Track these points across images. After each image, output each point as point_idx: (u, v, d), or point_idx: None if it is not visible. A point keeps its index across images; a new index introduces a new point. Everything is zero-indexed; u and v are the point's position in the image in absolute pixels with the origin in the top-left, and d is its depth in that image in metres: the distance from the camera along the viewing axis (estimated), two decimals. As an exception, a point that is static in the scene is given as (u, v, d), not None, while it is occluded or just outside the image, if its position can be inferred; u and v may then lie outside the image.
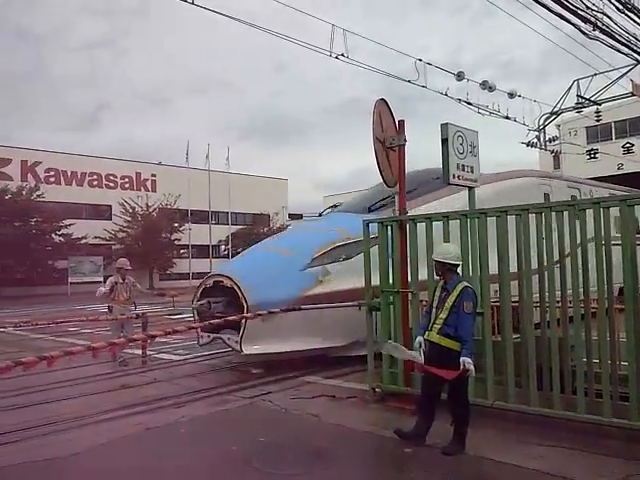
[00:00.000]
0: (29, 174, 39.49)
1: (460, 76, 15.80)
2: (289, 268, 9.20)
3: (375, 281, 7.30)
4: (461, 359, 5.12)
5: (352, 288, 8.44)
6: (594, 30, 13.08)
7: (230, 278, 8.98)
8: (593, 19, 12.74)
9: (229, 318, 7.63)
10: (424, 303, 6.98)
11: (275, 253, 9.97)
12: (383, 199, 10.45)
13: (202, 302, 9.08)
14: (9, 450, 5.56)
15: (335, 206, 13.08)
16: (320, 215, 12.96)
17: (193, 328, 7.76)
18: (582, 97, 21.41)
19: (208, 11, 9.34)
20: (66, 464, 5.25)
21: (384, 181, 7.73)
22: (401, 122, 7.67)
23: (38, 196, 35.55)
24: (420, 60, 13.99)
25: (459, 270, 5.74)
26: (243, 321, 8.15)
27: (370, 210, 10.48)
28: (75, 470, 5.23)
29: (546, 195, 12.67)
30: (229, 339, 8.75)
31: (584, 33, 13.06)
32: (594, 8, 12.60)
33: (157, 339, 7.93)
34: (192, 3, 9.15)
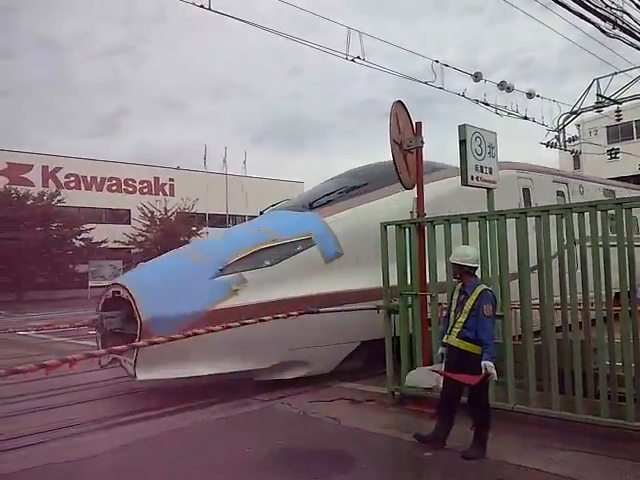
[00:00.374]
0: (50, 180, 40.13)
1: (477, 77, 15.69)
2: (197, 276, 7.77)
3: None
4: (482, 363, 5.08)
5: (280, 299, 7.52)
6: (614, 28, 12.91)
7: (125, 288, 7.63)
8: (613, 17, 12.57)
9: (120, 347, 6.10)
10: (443, 306, 6.96)
11: (185, 259, 8.58)
12: (327, 195, 9.66)
13: (96, 317, 7.92)
14: (33, 452, 5.65)
15: (278, 203, 11.12)
16: (261, 213, 11.05)
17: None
18: (602, 96, 21.13)
19: (224, 16, 9.42)
20: (88, 465, 5.32)
21: (402, 184, 7.69)
22: (418, 124, 7.63)
23: (59, 201, 36.09)
24: (437, 61, 13.94)
25: (477, 273, 5.69)
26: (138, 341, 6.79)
27: (312, 207, 9.41)
28: (105, 470, 5.29)
29: (525, 190, 11.37)
30: (125, 361, 7.31)
31: (604, 32, 12.89)
32: (614, 6, 12.43)
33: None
34: (209, 8, 9.23)
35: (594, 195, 12.82)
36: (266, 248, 8.11)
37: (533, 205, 10.72)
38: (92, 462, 5.38)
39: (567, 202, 11.44)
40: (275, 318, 6.68)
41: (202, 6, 9.00)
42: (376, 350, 7.80)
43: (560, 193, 12.23)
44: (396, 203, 8.72)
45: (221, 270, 7.74)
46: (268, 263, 7.99)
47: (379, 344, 7.49)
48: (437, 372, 5.55)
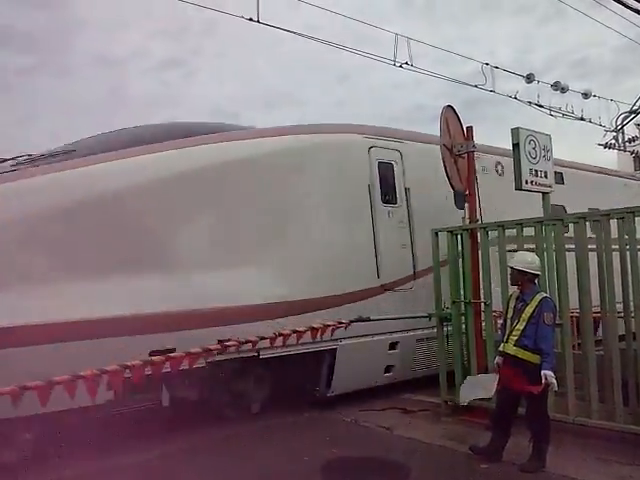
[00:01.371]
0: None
1: (530, 78, 15.27)
2: None
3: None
4: (542, 372, 4.91)
5: None
6: (674, 23, 12.33)
7: None
8: (673, 12, 12.00)
9: None
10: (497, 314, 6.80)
11: None
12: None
13: None
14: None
15: None
16: None
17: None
18: (664, 94, 20.18)
19: (273, 28, 9.54)
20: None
21: (452, 188, 7.58)
22: (469, 128, 7.51)
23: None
24: (487, 64, 13.66)
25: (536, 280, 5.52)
26: None
27: None
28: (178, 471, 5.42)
29: (387, 165, 7.99)
30: None
31: (664, 27, 12.33)
32: (674, 1, 11.87)
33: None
34: (257, 21, 9.38)
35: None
36: None
37: (399, 191, 8.06)
38: (157, 463, 5.50)
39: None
40: (326, 326, 6.62)
41: (251, 19, 9.14)
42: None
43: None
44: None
45: None
46: None
47: None
48: (493, 383, 5.39)
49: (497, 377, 5.34)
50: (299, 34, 10.18)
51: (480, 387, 5.72)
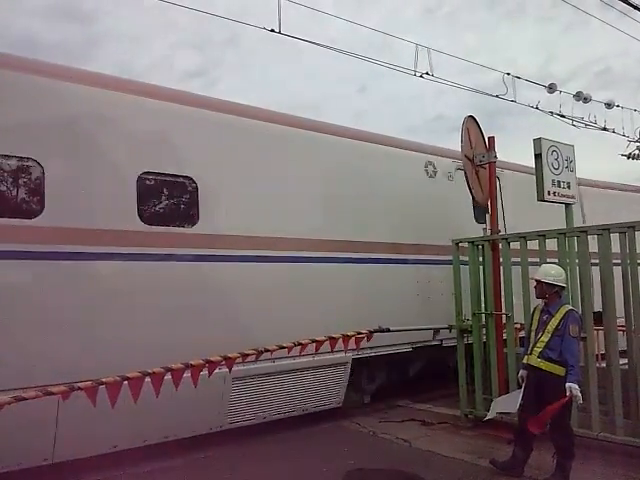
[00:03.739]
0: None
1: (552, 88, 15.13)
2: None
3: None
4: (567, 385, 4.83)
5: None
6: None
7: None
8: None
9: None
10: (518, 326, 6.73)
11: None
12: None
13: None
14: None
15: None
16: None
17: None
18: (689, 104, 19.86)
19: (294, 39, 9.60)
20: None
21: (473, 199, 7.52)
22: (491, 138, 7.47)
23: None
24: (508, 74, 13.58)
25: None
26: None
27: None
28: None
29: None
30: None
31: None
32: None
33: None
34: (279, 32, 9.46)
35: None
36: None
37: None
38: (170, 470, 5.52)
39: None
40: (344, 336, 6.60)
41: (272, 30, 9.22)
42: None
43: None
44: None
45: None
46: None
47: None
48: (518, 398, 5.30)
49: (522, 392, 5.26)
50: (318, 44, 10.23)
51: (505, 403, 5.65)
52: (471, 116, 7.56)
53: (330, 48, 10.23)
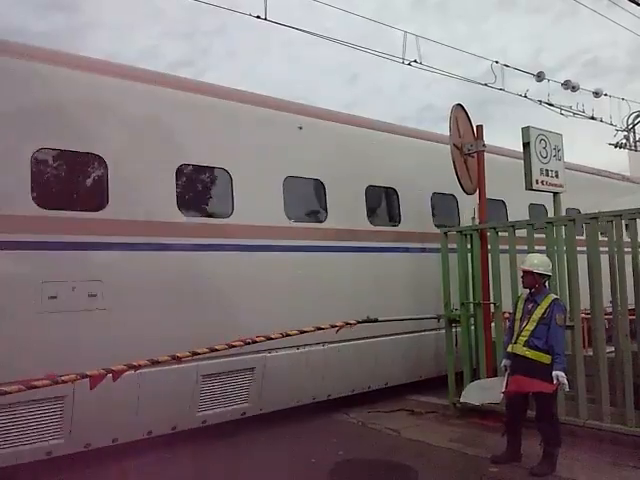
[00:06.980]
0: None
1: (540, 77, 15.10)
2: None
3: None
4: (553, 373, 4.86)
5: None
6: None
7: None
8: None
9: None
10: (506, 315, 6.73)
11: None
12: None
13: None
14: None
15: None
16: None
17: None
18: (676, 93, 19.94)
19: (284, 27, 9.46)
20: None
21: (462, 189, 7.49)
22: (479, 127, 7.43)
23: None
24: (497, 62, 13.53)
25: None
26: None
27: None
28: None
29: None
30: None
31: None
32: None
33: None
34: (265, 19, 9.33)
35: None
36: None
37: None
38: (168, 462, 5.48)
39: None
40: (332, 327, 6.57)
41: (258, 16, 9.09)
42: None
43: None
44: None
45: None
46: None
47: None
48: (501, 386, 5.32)
49: (505, 380, 5.27)
50: (306, 31, 10.11)
51: (488, 391, 5.66)
52: (459, 104, 7.50)
53: (318, 35, 10.11)
